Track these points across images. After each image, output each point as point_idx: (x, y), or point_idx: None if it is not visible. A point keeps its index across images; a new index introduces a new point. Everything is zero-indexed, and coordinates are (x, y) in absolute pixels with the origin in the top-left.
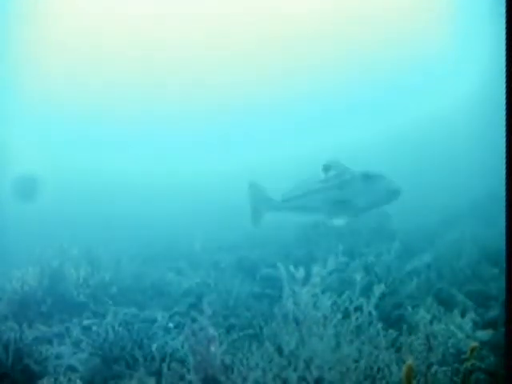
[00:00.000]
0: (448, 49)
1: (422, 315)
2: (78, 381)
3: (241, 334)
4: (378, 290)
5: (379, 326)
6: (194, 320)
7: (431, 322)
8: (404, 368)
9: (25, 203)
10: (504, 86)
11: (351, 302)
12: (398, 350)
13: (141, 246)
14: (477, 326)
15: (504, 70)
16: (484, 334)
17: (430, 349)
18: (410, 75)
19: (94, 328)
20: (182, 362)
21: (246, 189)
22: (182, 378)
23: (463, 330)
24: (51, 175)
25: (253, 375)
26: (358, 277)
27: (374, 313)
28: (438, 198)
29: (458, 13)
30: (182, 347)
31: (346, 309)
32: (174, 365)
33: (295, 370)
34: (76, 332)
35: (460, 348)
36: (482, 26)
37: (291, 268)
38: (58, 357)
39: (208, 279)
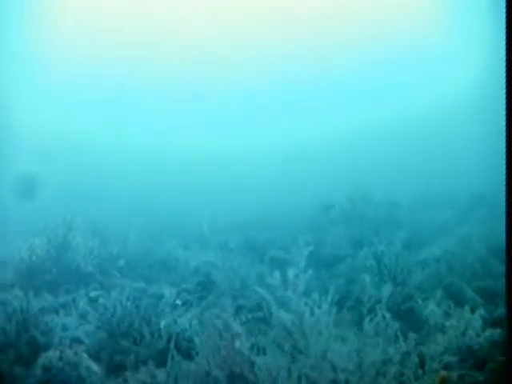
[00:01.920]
0: (448, 39)
1: (432, 309)
2: (83, 354)
3: (249, 316)
4: (387, 290)
5: (396, 326)
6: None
7: (443, 320)
8: (437, 378)
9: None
10: (504, 77)
11: (362, 302)
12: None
13: (149, 222)
14: (486, 323)
15: (504, 61)
16: (493, 332)
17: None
18: (410, 68)
19: (101, 300)
20: (190, 341)
21: (256, 170)
22: (207, 374)
23: (473, 328)
24: (62, 148)
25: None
26: (368, 278)
27: (387, 315)
28: (446, 189)
29: (459, 4)
30: (190, 326)
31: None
32: (182, 343)
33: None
34: (82, 303)
35: (471, 345)
36: (482, 19)
37: (269, 280)
38: (64, 328)
39: (216, 259)
